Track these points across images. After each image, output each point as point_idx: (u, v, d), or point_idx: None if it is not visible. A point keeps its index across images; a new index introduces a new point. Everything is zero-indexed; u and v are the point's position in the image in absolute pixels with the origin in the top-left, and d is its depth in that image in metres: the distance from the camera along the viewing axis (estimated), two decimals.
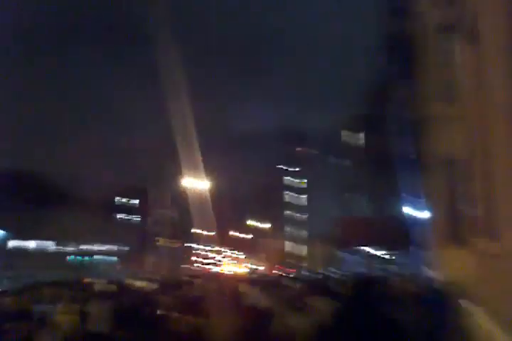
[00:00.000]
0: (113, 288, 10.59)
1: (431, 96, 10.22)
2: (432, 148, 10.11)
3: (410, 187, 24.07)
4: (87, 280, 14.17)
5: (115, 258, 54.03)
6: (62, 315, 5.65)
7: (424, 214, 18.25)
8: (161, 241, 55.37)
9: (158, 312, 5.98)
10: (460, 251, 8.25)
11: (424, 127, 10.70)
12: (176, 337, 4.68)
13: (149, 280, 13.47)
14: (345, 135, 45.24)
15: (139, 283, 12.20)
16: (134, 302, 6.64)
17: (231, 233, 60.92)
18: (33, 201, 46.07)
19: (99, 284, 11.77)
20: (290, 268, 50.49)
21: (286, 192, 68.80)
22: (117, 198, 60.29)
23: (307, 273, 26.94)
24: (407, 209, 23.85)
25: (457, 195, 8.37)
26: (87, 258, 51.06)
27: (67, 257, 49.80)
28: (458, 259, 7.98)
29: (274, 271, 43.87)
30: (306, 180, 68.19)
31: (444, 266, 9.09)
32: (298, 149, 68.33)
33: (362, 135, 41.22)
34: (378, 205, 32.10)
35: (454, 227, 8.56)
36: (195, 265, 58.19)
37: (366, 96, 39.63)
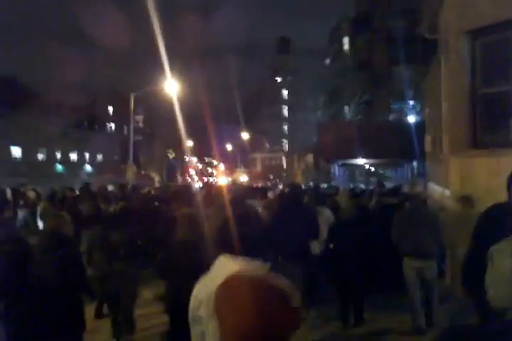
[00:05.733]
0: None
1: None
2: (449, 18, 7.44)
3: (404, 91, 22.12)
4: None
5: (90, 168, 52.72)
6: None
7: (424, 119, 16.29)
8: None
9: None
10: (477, 156, 6.23)
11: None
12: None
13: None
14: (334, 41, 42.04)
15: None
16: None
17: (217, 145, 59.38)
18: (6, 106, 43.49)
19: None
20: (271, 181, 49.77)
21: (273, 104, 66.22)
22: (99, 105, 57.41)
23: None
24: (401, 116, 21.91)
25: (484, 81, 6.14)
26: (60, 167, 49.40)
27: (56, 166, 48.14)
28: (477, 165, 5.99)
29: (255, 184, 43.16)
30: (288, 90, 65.38)
31: (456, 177, 7.02)
32: (284, 58, 64.73)
33: (350, 39, 38.27)
34: (368, 113, 29.97)
35: (475, 125, 6.39)
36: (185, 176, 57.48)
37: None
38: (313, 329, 5.86)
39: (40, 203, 11.81)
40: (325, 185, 22.37)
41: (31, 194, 13.49)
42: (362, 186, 24.65)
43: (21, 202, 12.87)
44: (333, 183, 23.42)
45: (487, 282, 1.58)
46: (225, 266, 1.99)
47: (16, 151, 46.33)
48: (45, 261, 4.25)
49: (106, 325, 5.88)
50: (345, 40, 39.32)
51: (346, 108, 35.98)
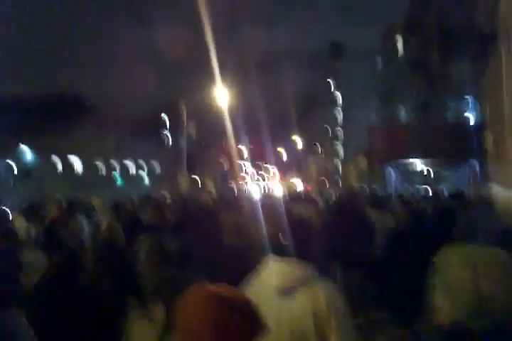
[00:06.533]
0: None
1: None
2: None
3: (462, 88, 21.30)
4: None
5: (147, 178, 54.08)
6: None
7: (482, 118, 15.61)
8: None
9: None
10: None
11: None
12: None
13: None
14: (387, 41, 41.29)
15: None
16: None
17: (269, 149, 59.29)
18: (63, 120, 45.76)
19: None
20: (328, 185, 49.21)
21: (325, 106, 65.67)
22: (153, 114, 58.79)
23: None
24: (459, 114, 21.03)
25: None
26: (120, 177, 51.07)
27: (115, 177, 49.96)
28: None
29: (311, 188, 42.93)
30: (341, 93, 64.60)
31: None
32: (336, 62, 64.05)
33: (403, 38, 37.42)
34: (424, 112, 29.03)
35: None
36: (239, 182, 57.82)
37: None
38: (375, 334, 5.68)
39: (103, 214, 12.04)
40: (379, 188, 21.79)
41: (96, 204, 13.84)
42: (418, 188, 23.85)
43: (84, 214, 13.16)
44: (387, 186, 22.83)
45: (435, 295, 1.55)
46: (274, 268, 2.14)
47: (76, 164, 48.34)
48: (98, 272, 4.31)
49: None
50: (399, 39, 38.46)
51: (401, 108, 35.08)
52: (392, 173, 22.52)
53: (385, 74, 40.07)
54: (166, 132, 59.62)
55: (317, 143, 65.49)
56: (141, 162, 54.81)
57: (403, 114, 34.50)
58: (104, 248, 4.80)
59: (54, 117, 46.36)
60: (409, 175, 26.61)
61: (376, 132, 18.87)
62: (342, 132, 62.93)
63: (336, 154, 63.27)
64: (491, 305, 1.48)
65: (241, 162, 60.31)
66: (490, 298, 1.48)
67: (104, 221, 11.10)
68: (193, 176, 48.04)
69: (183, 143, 26.82)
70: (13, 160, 46.73)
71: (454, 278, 1.52)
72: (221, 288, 1.47)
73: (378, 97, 40.38)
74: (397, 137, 16.05)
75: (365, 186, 19.29)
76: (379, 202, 8.96)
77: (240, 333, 1.38)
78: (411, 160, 18.05)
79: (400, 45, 38.32)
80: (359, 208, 6.81)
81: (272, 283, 2.11)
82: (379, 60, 44.66)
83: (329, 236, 5.66)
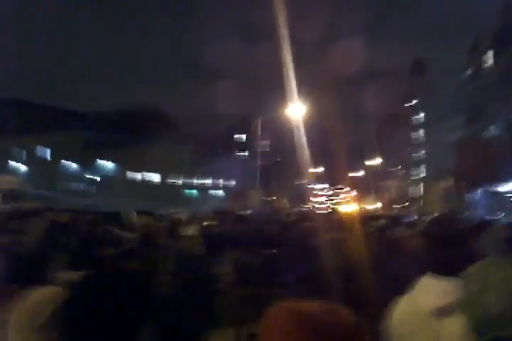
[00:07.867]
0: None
1: None
2: None
3: None
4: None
5: (222, 193, 54.38)
6: None
7: None
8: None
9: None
10: None
11: None
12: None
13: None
14: (474, 55, 39.40)
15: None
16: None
17: (344, 171, 58.07)
18: (142, 135, 47.47)
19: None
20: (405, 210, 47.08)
21: (407, 126, 63.31)
22: (224, 132, 59.71)
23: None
24: None
25: None
26: (195, 191, 51.91)
27: (184, 190, 51.08)
28: None
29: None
30: (423, 114, 62.10)
31: None
32: (418, 80, 61.89)
33: (494, 51, 35.33)
34: None
35: None
36: (310, 204, 56.58)
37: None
38: None
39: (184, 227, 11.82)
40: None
41: (179, 217, 13.83)
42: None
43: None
44: (477, 212, 21.08)
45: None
46: (430, 287, 2.09)
47: (152, 177, 49.81)
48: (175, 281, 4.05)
49: None
50: (489, 54, 36.33)
51: (490, 125, 32.79)
52: (483, 197, 20.74)
53: (471, 89, 37.88)
54: (242, 150, 60.10)
55: (398, 166, 63.10)
56: (216, 179, 55.40)
57: (493, 131, 32.02)
58: (183, 258, 4.45)
59: (133, 131, 48.38)
60: (504, 201, 24.15)
61: (465, 149, 17.35)
62: (424, 153, 60.20)
63: (418, 177, 60.53)
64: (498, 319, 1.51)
65: (315, 184, 59.07)
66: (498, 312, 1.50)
67: (187, 232, 10.81)
68: (265, 196, 47.74)
69: (257, 161, 26.56)
70: (93, 172, 49.00)
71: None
72: (307, 305, 1.27)
73: (465, 114, 38.14)
74: (489, 155, 14.60)
75: (455, 210, 17.79)
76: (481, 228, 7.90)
77: None
78: (506, 183, 16.41)
79: (488, 57, 36.19)
80: (461, 234, 5.86)
81: (428, 303, 2.06)
82: (465, 75, 42.54)
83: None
